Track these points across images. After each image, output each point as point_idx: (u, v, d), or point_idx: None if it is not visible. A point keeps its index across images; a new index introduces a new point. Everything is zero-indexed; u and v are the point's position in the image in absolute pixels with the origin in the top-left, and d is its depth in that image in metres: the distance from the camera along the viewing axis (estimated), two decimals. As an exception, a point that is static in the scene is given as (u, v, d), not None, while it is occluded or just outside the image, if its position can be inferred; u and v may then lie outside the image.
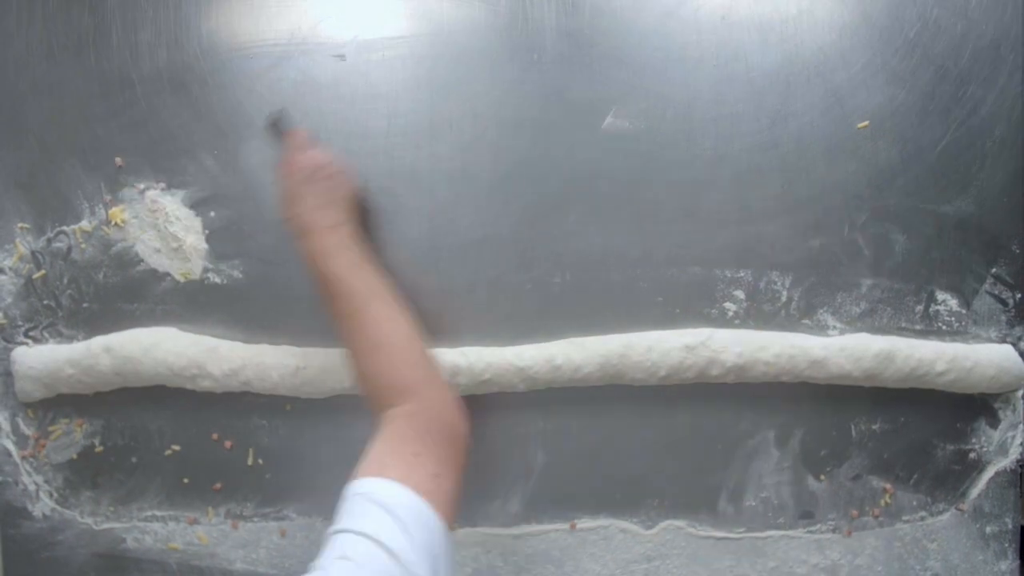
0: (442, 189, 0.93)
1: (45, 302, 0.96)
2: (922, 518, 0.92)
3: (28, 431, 0.97)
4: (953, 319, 0.91)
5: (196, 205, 0.93)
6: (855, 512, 0.92)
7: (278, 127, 0.89)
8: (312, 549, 0.96)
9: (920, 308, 0.91)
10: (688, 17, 0.91)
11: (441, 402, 0.75)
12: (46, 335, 0.96)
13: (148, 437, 0.96)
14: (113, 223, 0.93)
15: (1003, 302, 0.91)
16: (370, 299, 0.79)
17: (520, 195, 0.92)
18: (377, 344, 0.77)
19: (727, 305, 0.92)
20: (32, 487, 0.97)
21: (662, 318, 0.92)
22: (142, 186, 0.93)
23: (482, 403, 0.91)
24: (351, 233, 0.83)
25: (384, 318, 0.78)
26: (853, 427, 0.92)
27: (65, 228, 0.95)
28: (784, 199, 0.91)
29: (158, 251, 0.94)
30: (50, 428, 0.97)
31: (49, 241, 0.95)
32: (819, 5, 0.90)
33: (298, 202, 0.82)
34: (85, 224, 0.94)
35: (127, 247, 0.94)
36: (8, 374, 0.96)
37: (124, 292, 0.95)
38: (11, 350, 0.94)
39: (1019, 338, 0.90)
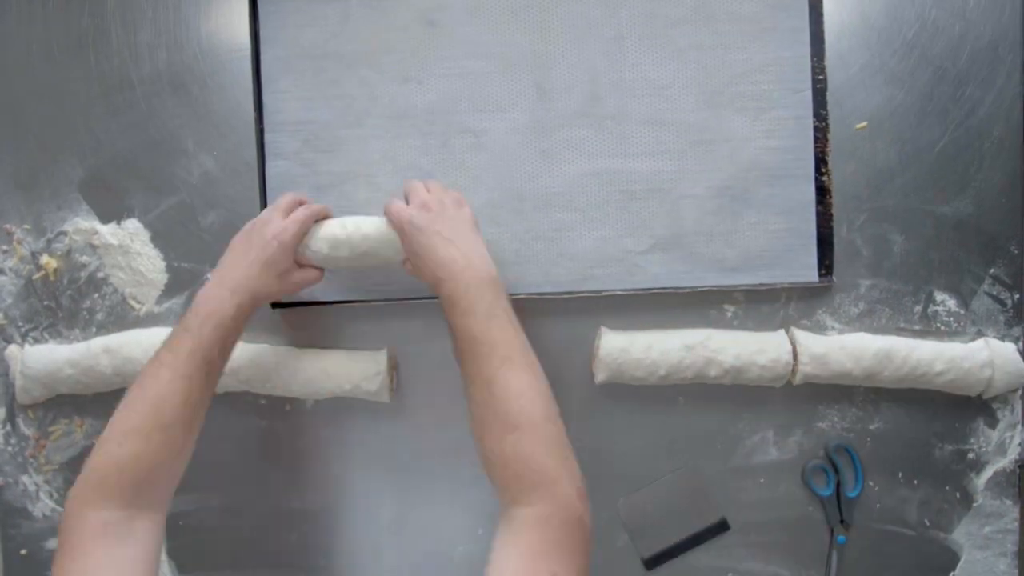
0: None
1: (45, 303, 0.96)
2: (922, 518, 0.92)
3: (28, 431, 0.97)
4: (952, 319, 0.91)
5: (185, 214, 0.94)
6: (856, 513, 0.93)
7: None
8: (311, 543, 0.96)
9: (919, 308, 0.91)
10: (687, 18, 0.91)
11: (577, 500, 0.64)
12: (46, 335, 0.96)
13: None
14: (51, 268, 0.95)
15: (1001, 302, 0.91)
16: (506, 363, 0.69)
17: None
18: (512, 423, 0.66)
19: (726, 307, 0.92)
20: (32, 487, 0.97)
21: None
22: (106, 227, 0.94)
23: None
24: (489, 279, 0.74)
25: (522, 390, 0.67)
26: (852, 427, 0.92)
27: (65, 229, 0.95)
28: (783, 199, 0.91)
29: (123, 279, 0.95)
30: (50, 428, 0.97)
31: (49, 242, 0.96)
32: (817, 6, 0.90)
33: (443, 245, 0.76)
34: (83, 224, 0.95)
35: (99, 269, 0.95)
36: (8, 374, 0.96)
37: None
38: (10, 350, 0.94)
39: (1017, 338, 0.91)
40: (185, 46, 0.94)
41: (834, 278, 0.91)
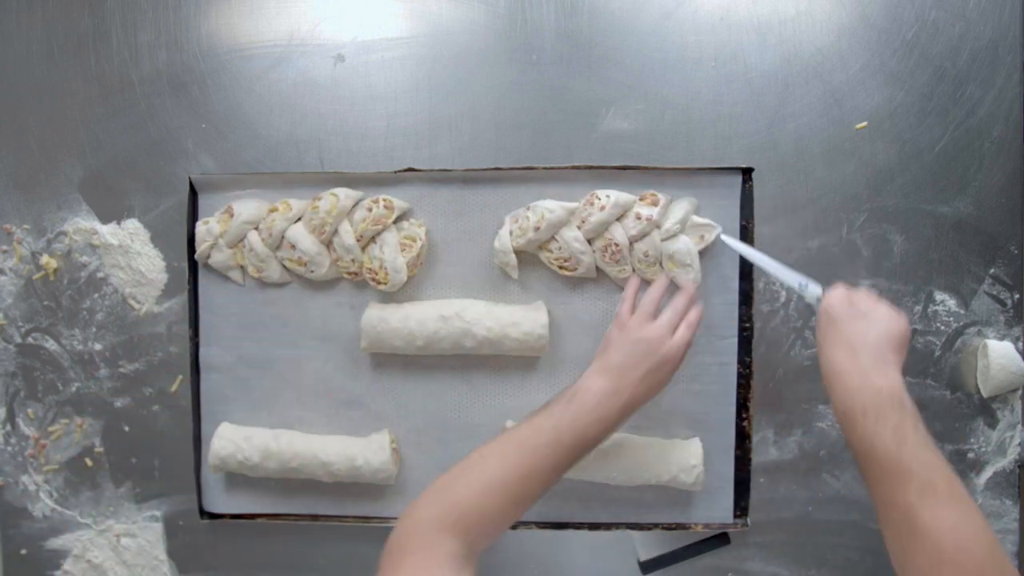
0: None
1: (45, 303, 0.96)
2: (921, 518, 0.93)
3: (28, 431, 0.97)
4: (952, 319, 0.91)
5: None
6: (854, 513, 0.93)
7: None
8: (304, 544, 0.96)
9: (919, 308, 0.91)
10: (687, 18, 0.91)
11: None
12: (46, 336, 0.96)
13: (148, 437, 0.96)
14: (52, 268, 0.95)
15: (1001, 302, 0.91)
16: (928, 493, 0.59)
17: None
18: (948, 561, 0.56)
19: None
20: (32, 487, 0.97)
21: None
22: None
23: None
24: (890, 395, 0.67)
25: (955, 524, 0.57)
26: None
27: (65, 229, 0.95)
28: (782, 200, 0.91)
29: (123, 279, 0.95)
30: (50, 428, 0.97)
31: (49, 242, 0.96)
32: (817, 6, 0.90)
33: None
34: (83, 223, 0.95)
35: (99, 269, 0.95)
36: (9, 374, 0.97)
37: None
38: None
39: (1017, 338, 0.91)
40: (185, 46, 0.94)
41: (749, 520, 0.92)
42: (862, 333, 0.71)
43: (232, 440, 0.91)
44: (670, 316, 0.81)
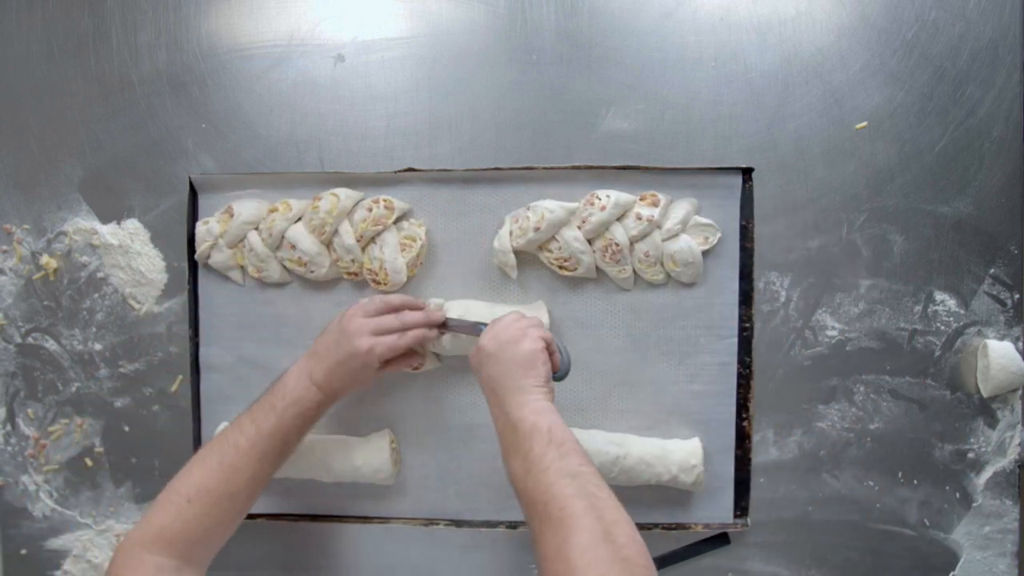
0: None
1: (45, 303, 0.96)
2: (922, 518, 0.93)
3: (28, 431, 0.97)
4: (952, 319, 0.91)
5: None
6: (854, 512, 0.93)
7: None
8: (312, 544, 0.96)
9: (919, 308, 0.91)
10: (687, 18, 0.91)
11: None
12: (46, 336, 0.96)
13: (148, 437, 0.96)
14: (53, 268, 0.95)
15: (1001, 302, 0.91)
16: (542, 519, 0.63)
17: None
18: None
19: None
20: (32, 487, 0.97)
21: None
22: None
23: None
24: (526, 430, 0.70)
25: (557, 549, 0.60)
26: (852, 427, 0.92)
27: (65, 229, 0.95)
28: (782, 200, 0.91)
29: (123, 279, 0.95)
30: (50, 428, 0.97)
31: (49, 242, 0.96)
32: (817, 7, 0.90)
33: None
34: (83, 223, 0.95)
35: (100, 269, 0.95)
36: (9, 374, 0.97)
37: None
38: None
39: (1017, 338, 0.91)
40: (185, 46, 0.94)
41: (749, 520, 0.92)
42: (497, 372, 0.75)
43: None
44: (386, 320, 0.82)
